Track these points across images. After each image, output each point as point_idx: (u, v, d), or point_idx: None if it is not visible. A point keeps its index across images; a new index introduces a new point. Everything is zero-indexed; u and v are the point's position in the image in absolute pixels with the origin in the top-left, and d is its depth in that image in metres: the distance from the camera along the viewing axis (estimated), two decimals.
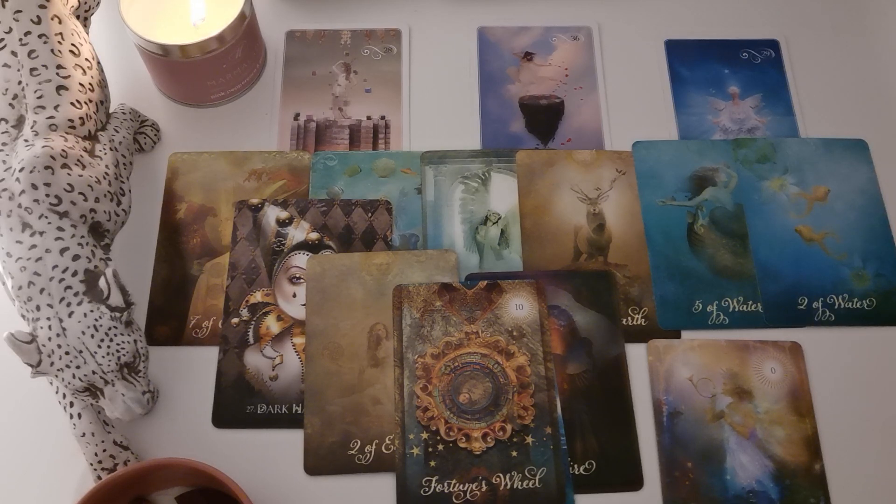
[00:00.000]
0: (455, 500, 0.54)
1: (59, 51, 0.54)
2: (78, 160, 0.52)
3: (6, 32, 0.54)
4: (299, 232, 0.62)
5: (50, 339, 0.48)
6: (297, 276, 0.60)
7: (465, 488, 0.54)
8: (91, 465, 0.54)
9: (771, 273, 0.61)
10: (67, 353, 0.48)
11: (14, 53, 0.53)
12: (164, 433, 0.56)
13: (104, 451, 0.53)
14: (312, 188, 0.64)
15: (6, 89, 0.53)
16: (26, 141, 0.51)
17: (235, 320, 0.59)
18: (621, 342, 0.59)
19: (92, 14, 0.62)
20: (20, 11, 0.54)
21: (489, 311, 0.59)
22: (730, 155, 0.65)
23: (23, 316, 0.50)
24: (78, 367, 0.49)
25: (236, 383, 0.57)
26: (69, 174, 0.51)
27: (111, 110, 0.60)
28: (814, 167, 0.65)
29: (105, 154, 0.55)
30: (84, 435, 0.53)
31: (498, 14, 0.72)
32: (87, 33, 0.60)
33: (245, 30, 0.63)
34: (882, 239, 0.63)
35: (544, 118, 0.67)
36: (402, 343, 0.58)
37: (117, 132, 0.58)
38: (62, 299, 0.49)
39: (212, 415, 0.57)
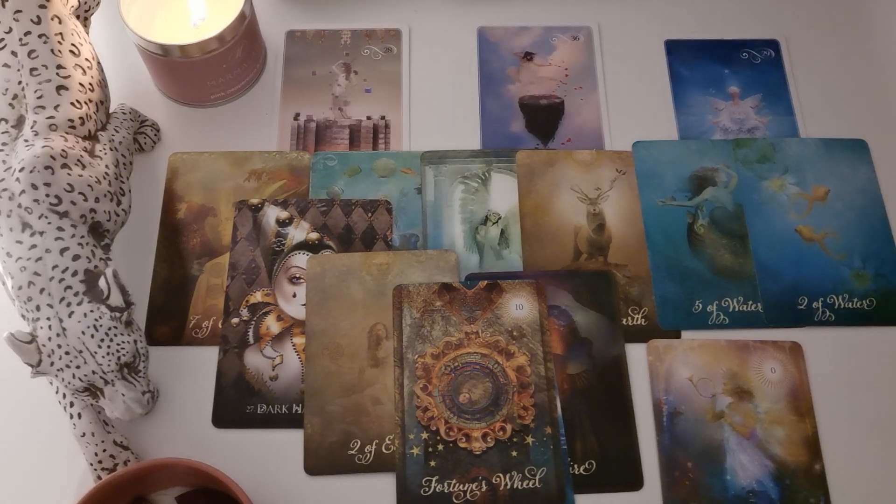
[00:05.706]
0: (455, 500, 0.54)
1: (59, 51, 0.54)
2: (78, 160, 0.52)
3: (6, 32, 0.54)
4: (299, 232, 0.62)
5: (50, 339, 0.48)
6: (297, 276, 0.60)
7: (465, 488, 0.54)
8: (91, 465, 0.54)
9: (771, 273, 0.61)
10: (67, 353, 0.48)
11: (14, 53, 0.53)
12: (164, 433, 0.56)
13: (104, 451, 0.53)
14: (312, 188, 0.64)
15: (6, 89, 0.53)
16: (26, 141, 0.51)
17: (235, 320, 0.59)
18: (621, 342, 0.59)
19: (92, 14, 0.62)
20: (20, 11, 0.54)
21: (489, 311, 0.59)
22: (730, 155, 0.65)
23: (23, 316, 0.50)
24: (78, 367, 0.49)
25: (236, 383, 0.57)
26: (69, 174, 0.51)
27: (111, 110, 0.60)
28: (814, 167, 0.65)
29: (105, 154, 0.55)
30: (84, 435, 0.53)
31: (498, 14, 0.72)
32: (87, 33, 0.60)
33: (245, 30, 0.63)
34: (882, 239, 0.63)
35: (544, 118, 0.67)
36: (402, 343, 0.58)
37: (117, 132, 0.58)
38: (62, 299, 0.49)
39: (212, 415, 0.57)
